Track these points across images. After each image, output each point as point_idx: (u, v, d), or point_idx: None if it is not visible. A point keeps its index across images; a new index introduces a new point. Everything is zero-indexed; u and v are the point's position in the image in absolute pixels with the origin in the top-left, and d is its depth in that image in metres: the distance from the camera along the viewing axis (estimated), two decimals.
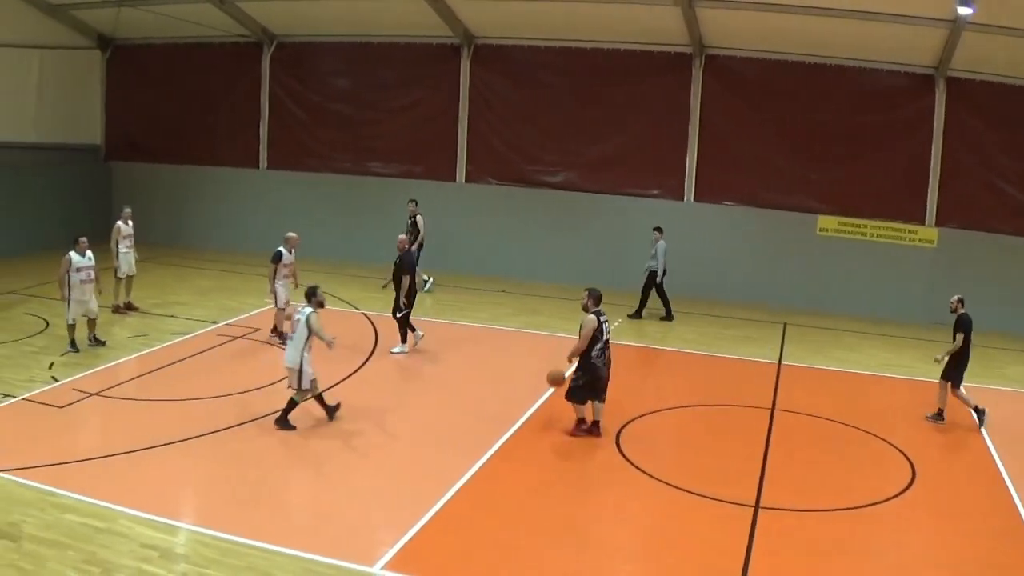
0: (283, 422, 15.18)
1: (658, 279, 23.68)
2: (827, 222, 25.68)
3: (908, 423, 16.87)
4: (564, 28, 26.32)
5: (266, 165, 30.72)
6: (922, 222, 25.24)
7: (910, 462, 14.88)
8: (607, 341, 15.03)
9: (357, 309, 23.39)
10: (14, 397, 16.12)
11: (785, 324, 23.95)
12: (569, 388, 15.24)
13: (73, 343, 18.79)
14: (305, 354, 15.06)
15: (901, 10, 21.87)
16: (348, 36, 29.12)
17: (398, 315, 19.62)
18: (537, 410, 16.60)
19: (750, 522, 12.35)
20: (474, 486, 13.36)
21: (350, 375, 18.22)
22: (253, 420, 15.51)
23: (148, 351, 19.26)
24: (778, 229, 25.98)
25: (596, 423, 15.31)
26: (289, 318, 17.60)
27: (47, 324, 20.83)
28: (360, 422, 15.86)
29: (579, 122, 27.60)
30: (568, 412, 15.65)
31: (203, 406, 16.21)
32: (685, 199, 26.89)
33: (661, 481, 13.66)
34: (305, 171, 30.16)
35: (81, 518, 11.78)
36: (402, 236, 20.28)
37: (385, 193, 27.75)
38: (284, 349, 19.24)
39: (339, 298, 23.67)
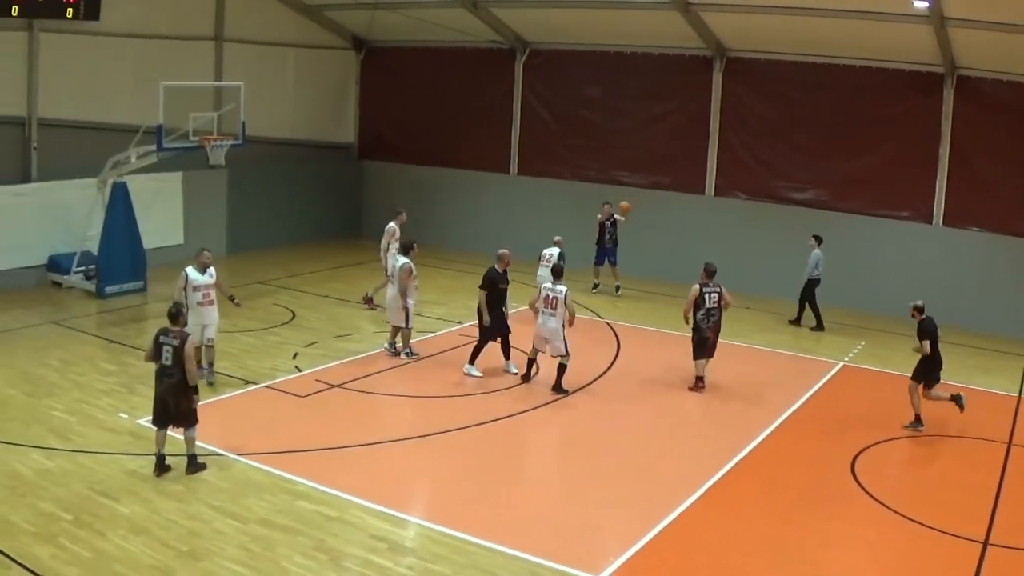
0: (559, 388, 16.81)
1: (811, 284, 23.10)
2: None
3: None
4: (814, 44, 25.07)
5: (516, 171, 30.64)
6: None
7: None
8: (710, 310, 17.40)
9: (600, 317, 22.91)
10: (256, 384, 16.46)
11: None
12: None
13: (411, 350, 18.78)
14: (564, 324, 16.82)
15: None
16: (600, 45, 28.69)
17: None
18: (776, 429, 15.91)
19: (978, 558, 11.66)
20: (704, 502, 12.97)
21: (591, 381, 17.83)
22: (488, 421, 15.39)
23: None
24: None
25: (701, 378, 17.60)
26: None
27: (293, 315, 21.27)
28: (594, 428, 15.59)
29: (828, 139, 26.19)
30: (815, 419, 15.55)
31: (440, 404, 16.25)
32: (934, 223, 25.15)
33: (890, 509, 12.95)
34: (553, 178, 29.90)
35: (313, 505, 11.86)
36: (504, 251, 18.81)
37: (633, 202, 27.03)
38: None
39: (584, 306, 23.15)
